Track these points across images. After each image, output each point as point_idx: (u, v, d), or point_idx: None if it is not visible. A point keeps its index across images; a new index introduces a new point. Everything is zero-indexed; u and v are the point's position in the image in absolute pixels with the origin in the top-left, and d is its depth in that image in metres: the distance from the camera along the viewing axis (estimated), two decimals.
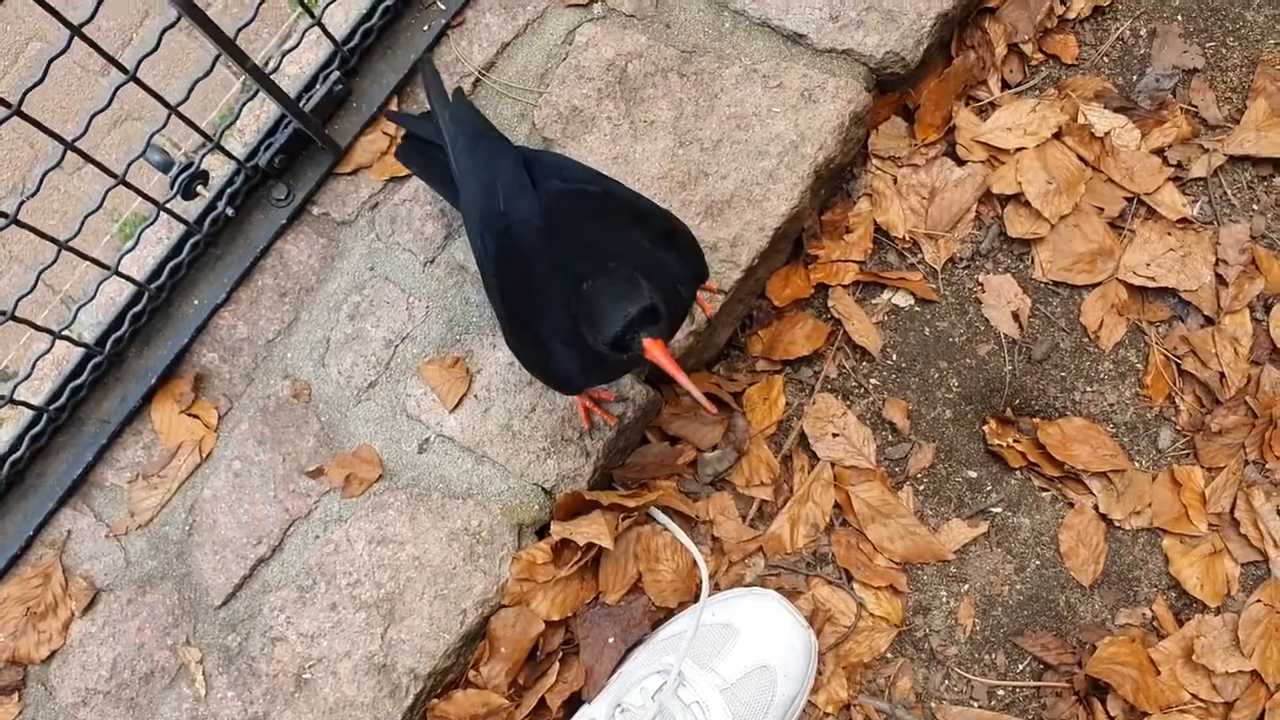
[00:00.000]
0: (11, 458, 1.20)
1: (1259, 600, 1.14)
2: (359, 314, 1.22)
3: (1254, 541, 1.16)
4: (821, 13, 1.22)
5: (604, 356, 0.92)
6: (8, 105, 0.90)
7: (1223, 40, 1.31)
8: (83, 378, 1.21)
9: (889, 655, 1.16)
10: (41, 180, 1.00)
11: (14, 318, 1.06)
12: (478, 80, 1.27)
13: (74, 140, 0.98)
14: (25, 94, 0.92)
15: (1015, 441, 1.19)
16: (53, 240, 1.03)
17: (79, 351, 1.20)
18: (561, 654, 1.15)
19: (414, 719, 1.12)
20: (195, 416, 1.23)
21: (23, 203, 0.98)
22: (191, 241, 1.22)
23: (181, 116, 1.08)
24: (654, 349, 0.87)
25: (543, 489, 1.15)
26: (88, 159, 1.01)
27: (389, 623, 1.13)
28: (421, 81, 1.16)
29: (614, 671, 1.12)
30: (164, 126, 1.07)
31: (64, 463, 1.23)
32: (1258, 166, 1.27)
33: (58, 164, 0.99)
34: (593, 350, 0.92)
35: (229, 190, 1.22)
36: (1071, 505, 1.18)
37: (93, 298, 1.19)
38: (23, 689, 1.19)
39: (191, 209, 1.21)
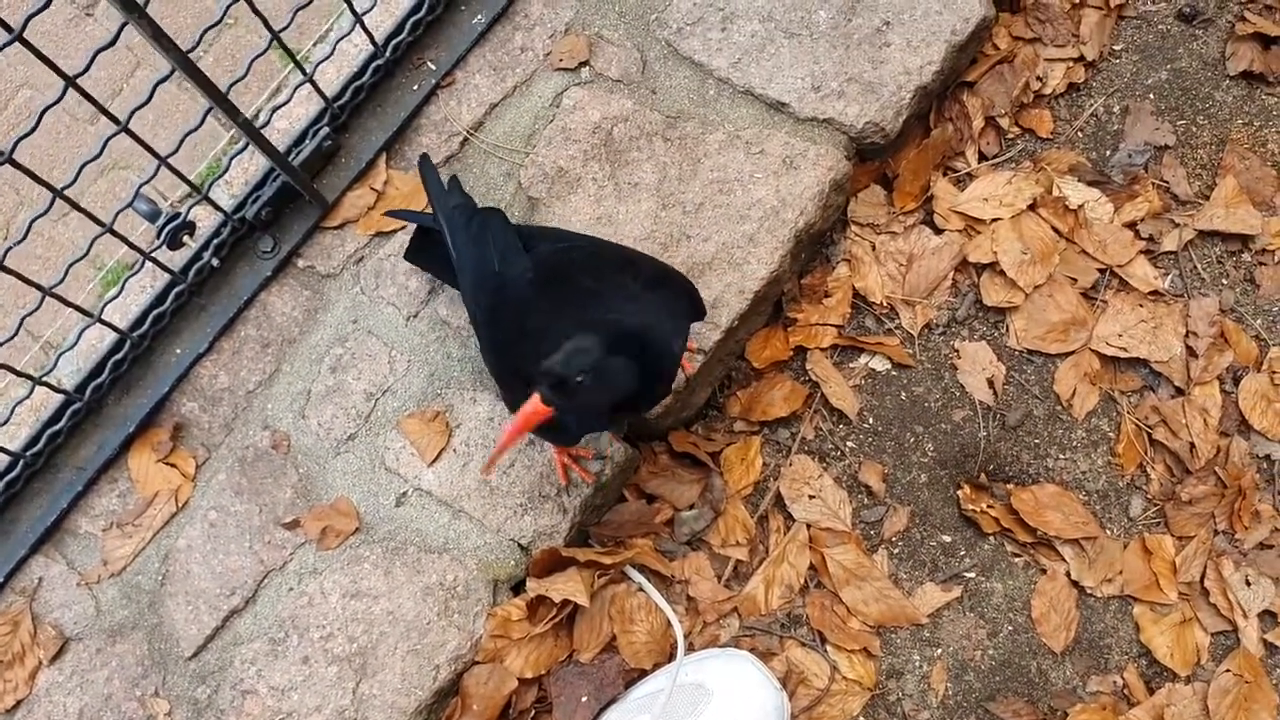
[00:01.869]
0: None
1: (1228, 670, 1.15)
2: (340, 366, 1.23)
3: (1223, 611, 1.17)
4: (803, 82, 1.25)
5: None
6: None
7: (1193, 119, 1.35)
8: (61, 424, 1.21)
9: (861, 718, 1.16)
10: (29, 228, 1.00)
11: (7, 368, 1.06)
12: (466, 140, 1.29)
13: (63, 189, 0.99)
14: (17, 143, 0.93)
15: (989, 507, 1.21)
16: (37, 287, 1.03)
17: (58, 398, 1.20)
18: (534, 712, 1.14)
19: None
20: (173, 465, 1.22)
21: (9, 249, 0.99)
22: (176, 291, 1.22)
23: (171, 169, 1.09)
24: (527, 406, 0.93)
25: (519, 545, 1.16)
26: (76, 207, 1.02)
27: (361, 677, 1.12)
28: (417, 161, 1.19)
29: None
30: (153, 178, 1.09)
31: (38, 509, 1.22)
32: (1226, 242, 1.30)
33: (45, 211, 1.00)
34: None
35: (215, 241, 1.23)
36: (1044, 571, 1.19)
37: (74, 344, 1.19)
38: None
39: (177, 259, 1.22)
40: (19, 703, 1.18)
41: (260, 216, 1.24)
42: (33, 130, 0.94)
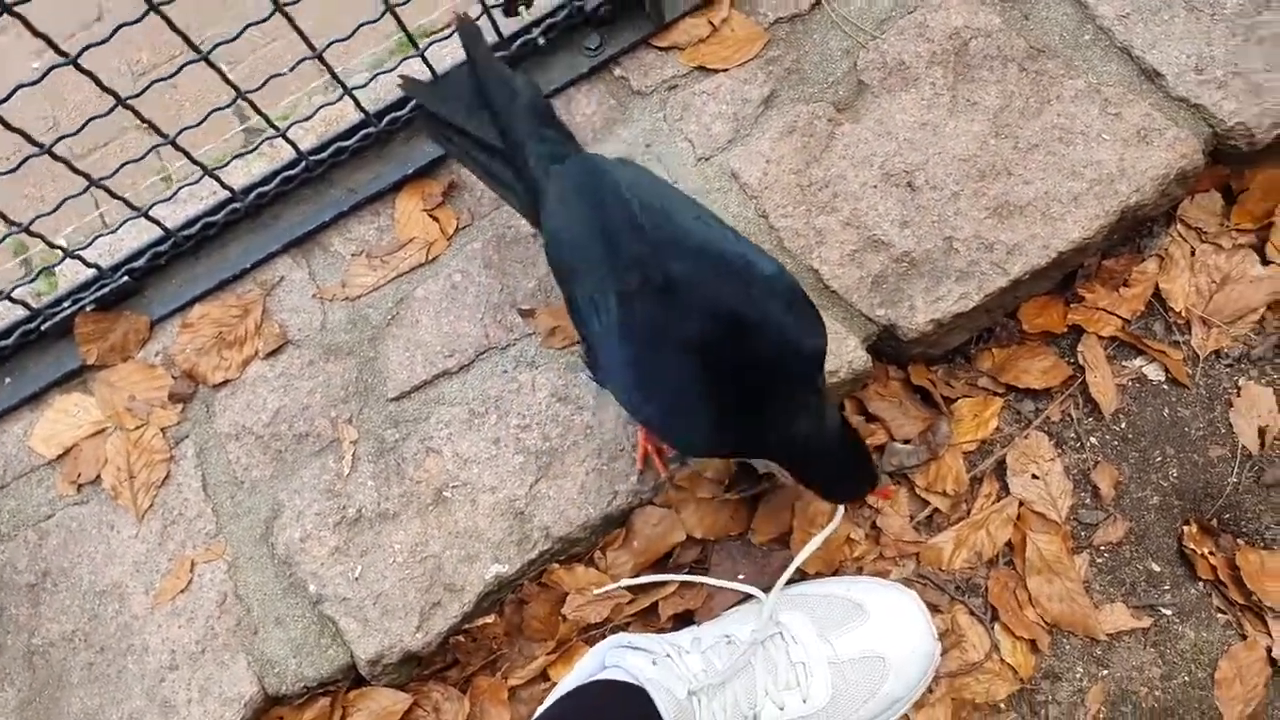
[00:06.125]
0: (258, 190, 1.24)
1: None
2: None
3: None
4: (1187, 60, 1.16)
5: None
6: None
7: None
8: (350, 143, 1.24)
9: (1002, 706, 1.11)
10: None
11: (322, 59, 1.08)
12: (818, 4, 1.25)
13: None
14: None
15: (1210, 553, 1.13)
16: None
17: (355, 117, 1.23)
18: (689, 570, 1.13)
19: (530, 573, 1.12)
20: (435, 219, 1.24)
21: None
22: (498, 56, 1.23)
23: None
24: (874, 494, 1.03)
25: None
26: None
27: (541, 476, 1.13)
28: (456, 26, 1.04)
29: (733, 607, 1.10)
30: None
31: (301, 214, 1.26)
32: None
33: None
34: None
35: (549, 21, 1.23)
36: (1244, 637, 1.11)
37: (393, 69, 1.21)
38: (188, 403, 1.23)
39: (506, 27, 1.22)
40: (226, 382, 1.23)
41: (598, 12, 1.23)
42: None
